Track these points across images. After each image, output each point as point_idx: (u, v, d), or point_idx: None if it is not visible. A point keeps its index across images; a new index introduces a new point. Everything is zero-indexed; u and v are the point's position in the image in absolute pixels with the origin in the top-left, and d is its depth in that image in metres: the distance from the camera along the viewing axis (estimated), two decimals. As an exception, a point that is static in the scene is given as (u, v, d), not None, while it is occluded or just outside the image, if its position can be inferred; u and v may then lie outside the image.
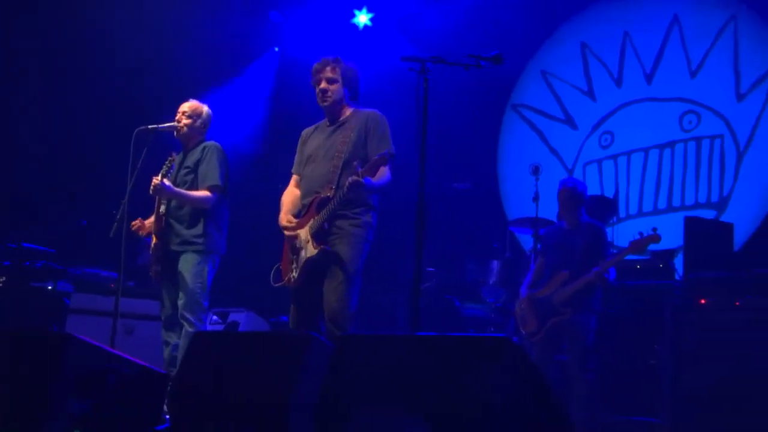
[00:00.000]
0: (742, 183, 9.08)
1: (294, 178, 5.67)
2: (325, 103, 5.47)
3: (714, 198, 9.21)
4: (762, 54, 9.13)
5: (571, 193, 6.92)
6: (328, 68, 5.43)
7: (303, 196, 5.43)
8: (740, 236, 8.09)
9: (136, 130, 6.40)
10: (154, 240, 6.56)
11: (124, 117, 8.08)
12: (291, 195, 5.56)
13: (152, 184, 6.39)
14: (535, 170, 8.38)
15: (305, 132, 5.72)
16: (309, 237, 5.08)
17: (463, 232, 10.07)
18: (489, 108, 11.05)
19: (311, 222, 5.14)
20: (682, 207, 9.39)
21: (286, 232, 5.27)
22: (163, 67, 10.08)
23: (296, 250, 5.16)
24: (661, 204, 9.63)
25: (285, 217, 5.35)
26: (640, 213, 9.75)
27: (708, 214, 9.03)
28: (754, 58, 9.19)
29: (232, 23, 10.71)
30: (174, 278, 6.41)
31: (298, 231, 5.21)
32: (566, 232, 7.11)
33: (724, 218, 8.53)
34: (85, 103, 9.96)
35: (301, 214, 5.37)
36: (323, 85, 5.41)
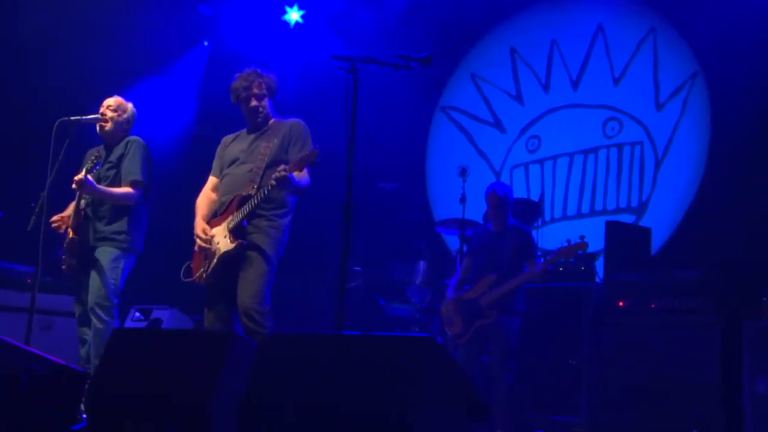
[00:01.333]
0: (659, 189, 9.37)
1: (211, 180, 5.71)
2: (259, 119, 5.51)
3: (634, 203, 9.46)
4: (678, 66, 9.43)
5: (498, 196, 7.01)
6: (254, 85, 5.51)
7: (222, 194, 5.48)
8: (657, 240, 8.32)
9: (58, 121, 6.23)
10: (70, 234, 6.41)
11: (45, 110, 7.85)
12: (206, 198, 5.63)
13: (75, 179, 6.24)
14: (463, 172, 8.47)
15: (226, 138, 5.81)
16: (227, 232, 5.13)
17: (391, 232, 10.11)
18: (418, 109, 11.12)
19: (230, 218, 5.20)
20: (604, 211, 9.63)
21: (199, 242, 5.17)
22: (87, 59, 9.85)
23: (208, 250, 5.23)
24: (585, 208, 9.85)
25: (201, 225, 5.38)
26: (565, 216, 9.94)
27: (628, 218, 9.28)
28: (671, 69, 9.49)
29: (160, 16, 10.53)
30: (89, 274, 6.25)
31: (215, 228, 5.24)
32: (493, 235, 7.21)
33: (642, 223, 8.79)
34: (3, 94, 9.67)
35: (219, 212, 5.42)
36: (254, 102, 5.52)
